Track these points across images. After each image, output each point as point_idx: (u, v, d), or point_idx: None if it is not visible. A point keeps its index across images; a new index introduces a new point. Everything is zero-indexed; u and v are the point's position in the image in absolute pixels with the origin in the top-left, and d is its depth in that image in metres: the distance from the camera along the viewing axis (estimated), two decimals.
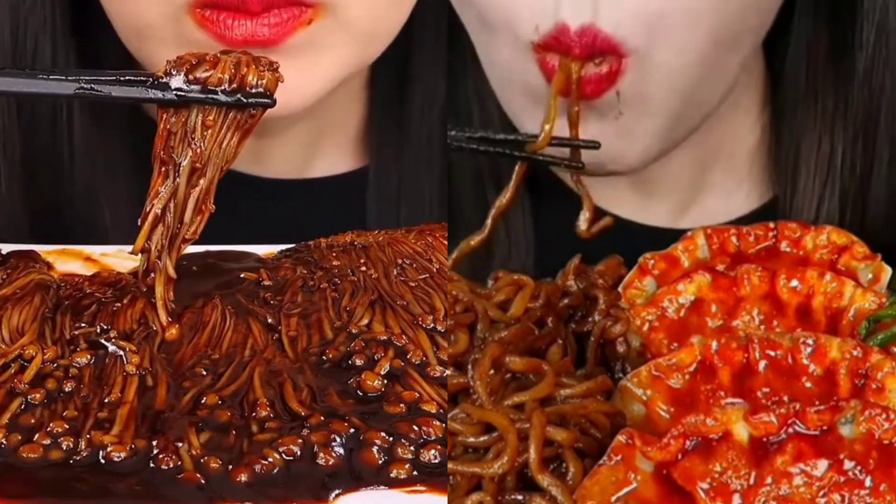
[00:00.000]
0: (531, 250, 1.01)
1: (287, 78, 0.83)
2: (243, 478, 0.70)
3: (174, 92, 0.79)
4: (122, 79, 0.80)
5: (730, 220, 0.99)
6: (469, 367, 0.76)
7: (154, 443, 0.72)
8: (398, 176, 1.09)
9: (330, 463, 0.72)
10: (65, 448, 0.72)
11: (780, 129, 0.99)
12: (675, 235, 0.88)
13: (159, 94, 0.80)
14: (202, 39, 0.88)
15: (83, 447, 0.72)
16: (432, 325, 0.84)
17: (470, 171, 1.01)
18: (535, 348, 0.80)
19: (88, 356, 0.80)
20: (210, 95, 0.79)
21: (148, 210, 0.81)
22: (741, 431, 0.69)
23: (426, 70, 1.07)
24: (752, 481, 0.69)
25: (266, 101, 0.80)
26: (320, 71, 0.92)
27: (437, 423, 0.74)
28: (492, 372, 0.75)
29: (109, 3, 0.94)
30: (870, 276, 0.86)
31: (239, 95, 0.79)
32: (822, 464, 0.68)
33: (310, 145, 1.10)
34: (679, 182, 1.01)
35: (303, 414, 0.75)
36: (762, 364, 0.75)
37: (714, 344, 0.75)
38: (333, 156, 1.11)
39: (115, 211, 1.05)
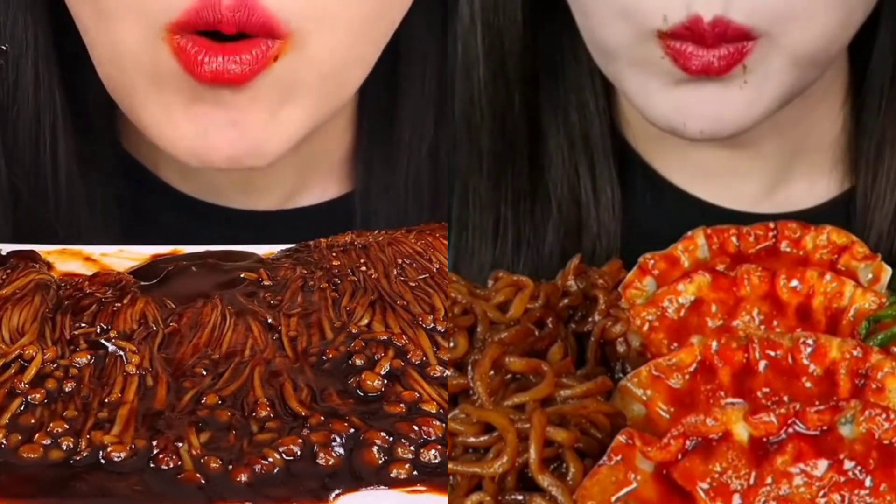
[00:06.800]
0: (618, 235, 1.02)
1: (256, 123, 0.86)
2: (243, 478, 0.70)
3: None
4: None
5: (810, 206, 1.01)
6: (469, 367, 0.76)
7: (154, 443, 0.72)
8: (386, 207, 1.09)
9: (330, 463, 0.72)
10: (65, 448, 0.72)
11: (864, 119, 1.01)
12: (755, 220, 0.91)
13: None
14: (174, 69, 0.87)
15: (83, 447, 0.72)
16: (432, 325, 0.84)
17: (563, 144, 1.02)
18: (535, 349, 0.80)
19: (88, 356, 0.80)
20: None
21: None
22: (741, 431, 0.69)
23: (414, 104, 1.07)
24: (752, 481, 0.69)
25: None
26: (291, 114, 0.91)
27: (437, 423, 0.74)
28: (492, 373, 0.75)
29: (87, 31, 0.92)
30: (870, 276, 0.86)
31: None
32: (822, 464, 0.68)
33: (298, 175, 1.09)
34: (766, 169, 1.02)
35: (303, 414, 0.75)
36: (762, 364, 0.75)
37: (714, 344, 0.75)
38: (319, 185, 1.11)
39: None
